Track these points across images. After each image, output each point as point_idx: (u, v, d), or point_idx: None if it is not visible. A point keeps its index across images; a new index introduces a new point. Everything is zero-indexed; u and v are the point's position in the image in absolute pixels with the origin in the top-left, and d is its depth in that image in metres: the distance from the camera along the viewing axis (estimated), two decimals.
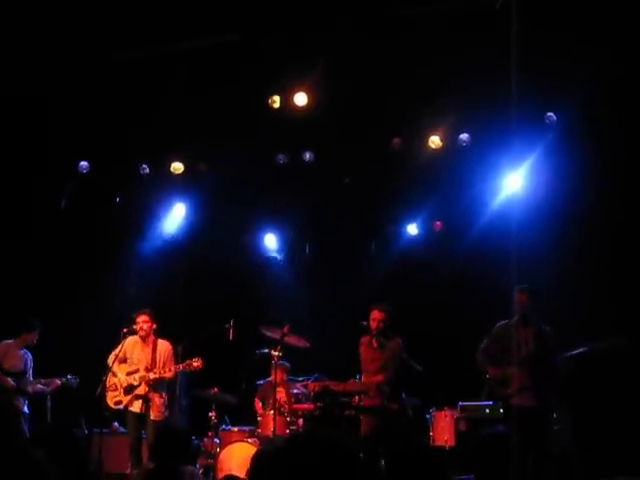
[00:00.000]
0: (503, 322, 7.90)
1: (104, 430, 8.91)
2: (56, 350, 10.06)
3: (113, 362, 8.65)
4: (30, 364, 9.47)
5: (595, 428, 8.62)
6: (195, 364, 8.69)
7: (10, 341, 9.47)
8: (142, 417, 8.70)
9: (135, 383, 8.70)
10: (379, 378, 8.39)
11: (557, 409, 8.11)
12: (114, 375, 8.76)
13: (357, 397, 8.42)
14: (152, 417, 8.67)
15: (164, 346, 8.89)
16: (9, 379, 9.21)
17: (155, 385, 8.73)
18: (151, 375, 8.70)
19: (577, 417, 8.43)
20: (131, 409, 8.73)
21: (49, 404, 9.63)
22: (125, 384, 8.71)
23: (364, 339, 8.54)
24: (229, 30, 8.74)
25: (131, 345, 8.84)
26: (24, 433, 9.09)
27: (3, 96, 9.45)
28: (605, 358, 7.99)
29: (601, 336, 7.79)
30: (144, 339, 8.83)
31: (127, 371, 8.78)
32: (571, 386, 8.18)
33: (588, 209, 9.32)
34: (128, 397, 8.71)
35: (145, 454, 8.47)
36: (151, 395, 8.70)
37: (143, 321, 8.78)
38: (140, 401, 8.69)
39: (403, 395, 8.50)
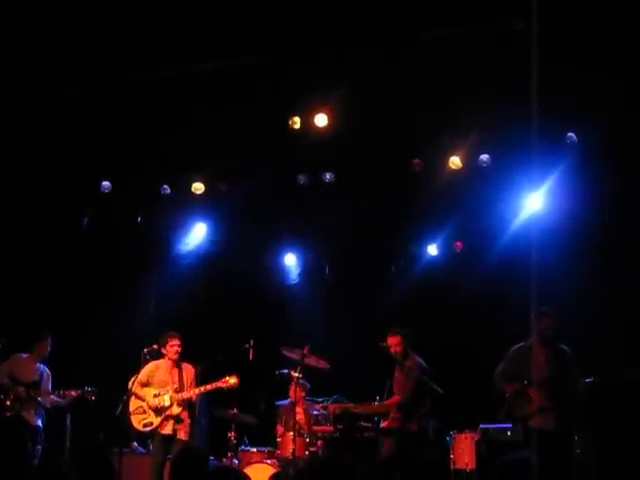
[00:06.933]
0: (519, 344, 7.85)
1: (123, 449, 8.89)
2: (76, 366, 10.13)
3: (134, 386, 8.59)
4: (47, 378, 9.47)
5: (619, 458, 8.47)
6: (232, 381, 8.60)
7: (25, 355, 9.51)
8: (171, 439, 8.61)
9: (166, 404, 8.60)
10: (396, 399, 8.36)
11: (578, 431, 8.01)
12: (139, 399, 8.68)
13: (376, 419, 8.40)
14: (181, 437, 8.61)
15: (189, 369, 8.88)
16: (21, 388, 9.20)
17: (185, 405, 8.69)
18: (185, 395, 8.64)
19: (601, 447, 8.29)
20: (161, 432, 8.62)
21: (68, 421, 9.63)
22: (157, 405, 8.61)
23: None
24: (250, 51, 8.80)
25: (154, 368, 8.80)
26: (26, 447, 9.09)
27: (28, 114, 9.56)
28: (619, 388, 7.92)
29: (616, 360, 7.73)
30: (175, 362, 8.79)
31: (153, 393, 8.70)
32: (593, 414, 8.08)
33: (608, 229, 9.27)
34: (159, 418, 8.61)
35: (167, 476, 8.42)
36: (183, 415, 8.66)
37: (177, 345, 8.76)
38: (172, 422, 8.61)
39: (430, 421, 8.43)
